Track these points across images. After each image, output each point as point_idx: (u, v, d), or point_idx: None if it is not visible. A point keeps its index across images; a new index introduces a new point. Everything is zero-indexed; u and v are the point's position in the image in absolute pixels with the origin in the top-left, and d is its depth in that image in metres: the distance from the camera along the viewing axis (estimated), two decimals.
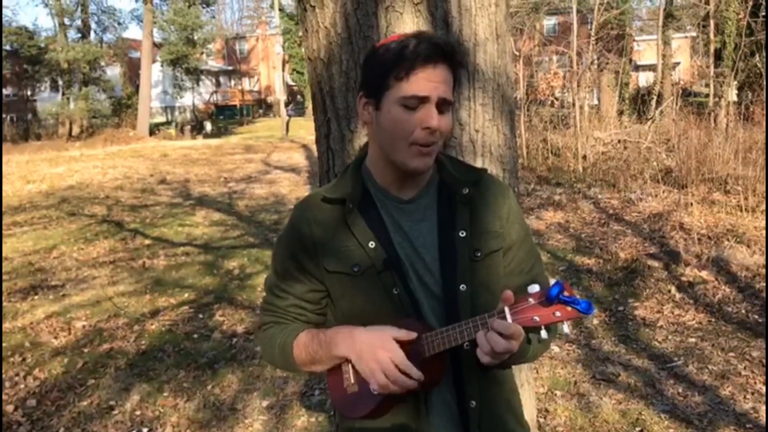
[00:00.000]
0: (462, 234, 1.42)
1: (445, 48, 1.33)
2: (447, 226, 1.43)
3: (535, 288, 1.29)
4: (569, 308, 1.26)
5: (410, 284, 1.41)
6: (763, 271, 6.09)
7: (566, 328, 1.29)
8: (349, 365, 1.39)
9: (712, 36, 20.45)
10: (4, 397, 4.34)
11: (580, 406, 3.96)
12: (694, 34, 28.66)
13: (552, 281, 1.28)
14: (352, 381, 1.39)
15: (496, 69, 2.17)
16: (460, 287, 1.40)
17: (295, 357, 1.45)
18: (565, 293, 1.25)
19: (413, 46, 1.32)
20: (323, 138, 2.24)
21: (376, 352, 1.32)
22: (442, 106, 1.34)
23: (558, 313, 1.26)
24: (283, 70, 40.32)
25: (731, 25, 18.80)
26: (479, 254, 1.42)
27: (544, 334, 1.28)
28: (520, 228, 1.51)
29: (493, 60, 2.16)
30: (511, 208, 1.50)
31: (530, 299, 1.28)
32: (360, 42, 2.05)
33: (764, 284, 5.79)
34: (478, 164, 2.14)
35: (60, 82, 36.76)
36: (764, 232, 7.24)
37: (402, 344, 1.33)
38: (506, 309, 1.28)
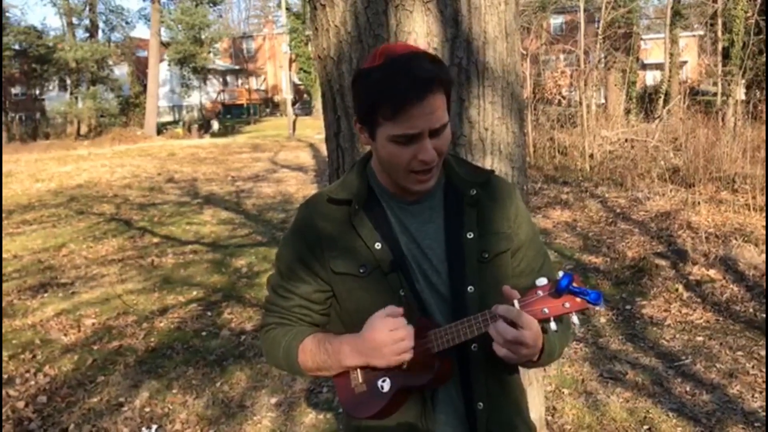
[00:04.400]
0: (469, 235, 1.41)
1: (433, 80, 1.27)
2: (454, 228, 1.42)
3: (543, 281, 1.29)
4: (578, 299, 1.26)
5: (417, 286, 1.40)
6: None
7: (576, 319, 1.28)
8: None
9: (719, 34, 20.34)
10: (15, 393, 4.38)
11: (587, 405, 3.96)
12: (701, 32, 28.55)
13: (561, 273, 1.27)
14: (360, 381, 1.39)
15: (506, 67, 2.18)
16: (468, 289, 1.39)
17: (301, 363, 1.45)
18: (575, 284, 1.25)
19: (396, 86, 1.26)
20: (333, 136, 2.26)
21: (378, 338, 1.32)
22: (438, 131, 1.31)
23: (567, 304, 1.26)
24: (290, 69, 40.36)
25: (739, 24, 18.70)
26: (487, 255, 1.41)
27: (553, 325, 1.28)
28: (528, 228, 1.50)
29: (503, 58, 2.16)
30: (519, 209, 1.49)
31: (539, 291, 1.28)
32: (370, 40, 2.07)
33: None
34: (488, 162, 2.15)
35: (68, 82, 36.88)
36: None
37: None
38: (515, 302, 1.28)
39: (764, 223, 7.62)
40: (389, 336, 1.31)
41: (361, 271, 1.40)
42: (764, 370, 4.30)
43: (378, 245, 1.40)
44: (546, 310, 1.27)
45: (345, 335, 1.41)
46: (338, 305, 1.48)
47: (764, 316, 5.21)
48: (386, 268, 1.39)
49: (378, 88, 1.29)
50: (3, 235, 9.40)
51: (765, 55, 17.92)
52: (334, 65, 2.18)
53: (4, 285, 6.91)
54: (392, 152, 1.32)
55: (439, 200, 1.45)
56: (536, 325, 1.28)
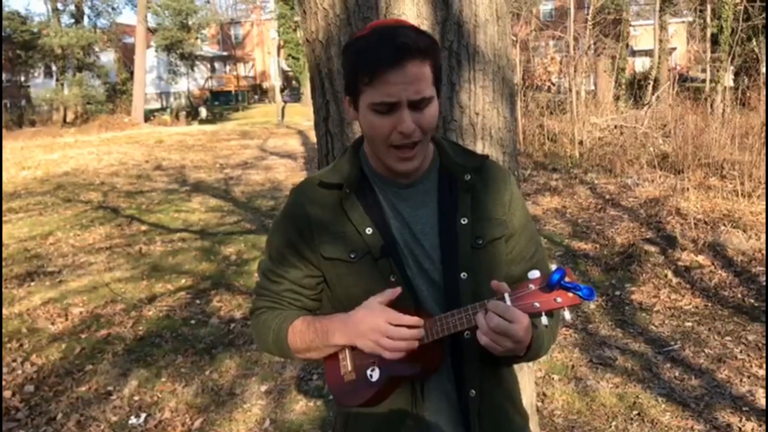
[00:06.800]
0: (463, 221, 1.39)
1: (412, 46, 1.25)
2: (448, 213, 1.40)
3: (535, 274, 1.27)
4: (571, 294, 1.24)
5: (408, 272, 1.38)
6: (759, 255, 6.10)
7: (567, 314, 1.26)
8: (346, 352, 1.38)
9: (709, 20, 20.37)
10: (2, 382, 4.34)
11: (577, 390, 3.97)
12: (690, 18, 28.57)
13: (554, 267, 1.26)
14: (350, 369, 1.38)
15: (497, 51, 2.15)
16: (461, 275, 1.37)
17: (290, 344, 1.43)
18: (567, 279, 1.23)
19: (375, 50, 1.25)
20: (322, 121, 2.23)
21: (370, 321, 1.30)
22: (419, 103, 1.29)
23: (559, 299, 1.24)
24: (279, 55, 40.08)
25: (728, 10, 18.69)
26: (481, 241, 1.39)
27: (545, 320, 1.26)
28: (522, 215, 1.48)
29: (494, 42, 2.14)
30: (513, 195, 1.47)
31: (531, 285, 1.26)
32: (359, 23, 2.03)
33: (760, 268, 5.80)
34: (478, 147, 2.13)
35: (54, 68, 36.43)
36: (760, 216, 7.25)
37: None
38: (506, 295, 1.26)
39: (752, 209, 7.65)
40: (378, 321, 1.29)
41: (351, 256, 1.38)
42: (752, 355, 4.33)
43: (369, 230, 1.37)
44: (537, 305, 1.25)
45: (336, 314, 1.40)
46: (329, 291, 1.46)
47: (752, 301, 5.24)
48: (377, 254, 1.37)
49: (359, 54, 1.29)
50: None
51: (759, 41, 17.93)
52: (322, 49, 2.15)
53: None
54: (372, 122, 1.31)
55: (433, 185, 1.43)
56: (526, 321, 1.26)
